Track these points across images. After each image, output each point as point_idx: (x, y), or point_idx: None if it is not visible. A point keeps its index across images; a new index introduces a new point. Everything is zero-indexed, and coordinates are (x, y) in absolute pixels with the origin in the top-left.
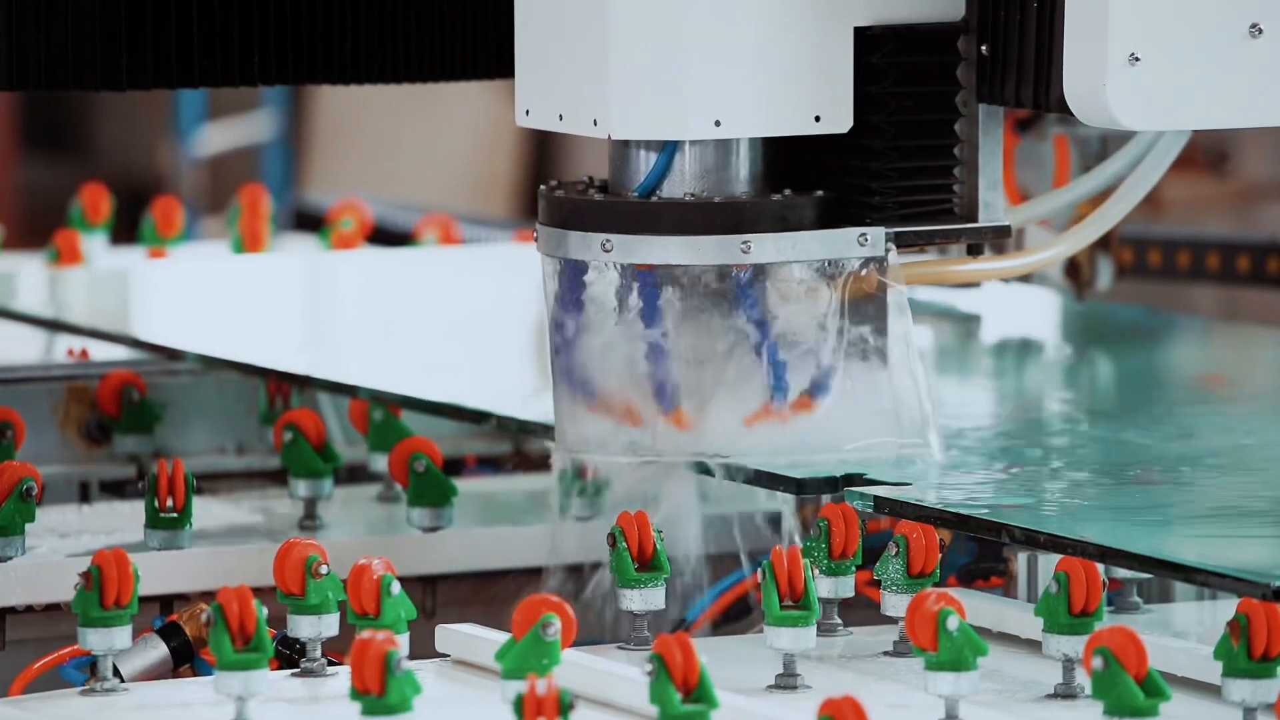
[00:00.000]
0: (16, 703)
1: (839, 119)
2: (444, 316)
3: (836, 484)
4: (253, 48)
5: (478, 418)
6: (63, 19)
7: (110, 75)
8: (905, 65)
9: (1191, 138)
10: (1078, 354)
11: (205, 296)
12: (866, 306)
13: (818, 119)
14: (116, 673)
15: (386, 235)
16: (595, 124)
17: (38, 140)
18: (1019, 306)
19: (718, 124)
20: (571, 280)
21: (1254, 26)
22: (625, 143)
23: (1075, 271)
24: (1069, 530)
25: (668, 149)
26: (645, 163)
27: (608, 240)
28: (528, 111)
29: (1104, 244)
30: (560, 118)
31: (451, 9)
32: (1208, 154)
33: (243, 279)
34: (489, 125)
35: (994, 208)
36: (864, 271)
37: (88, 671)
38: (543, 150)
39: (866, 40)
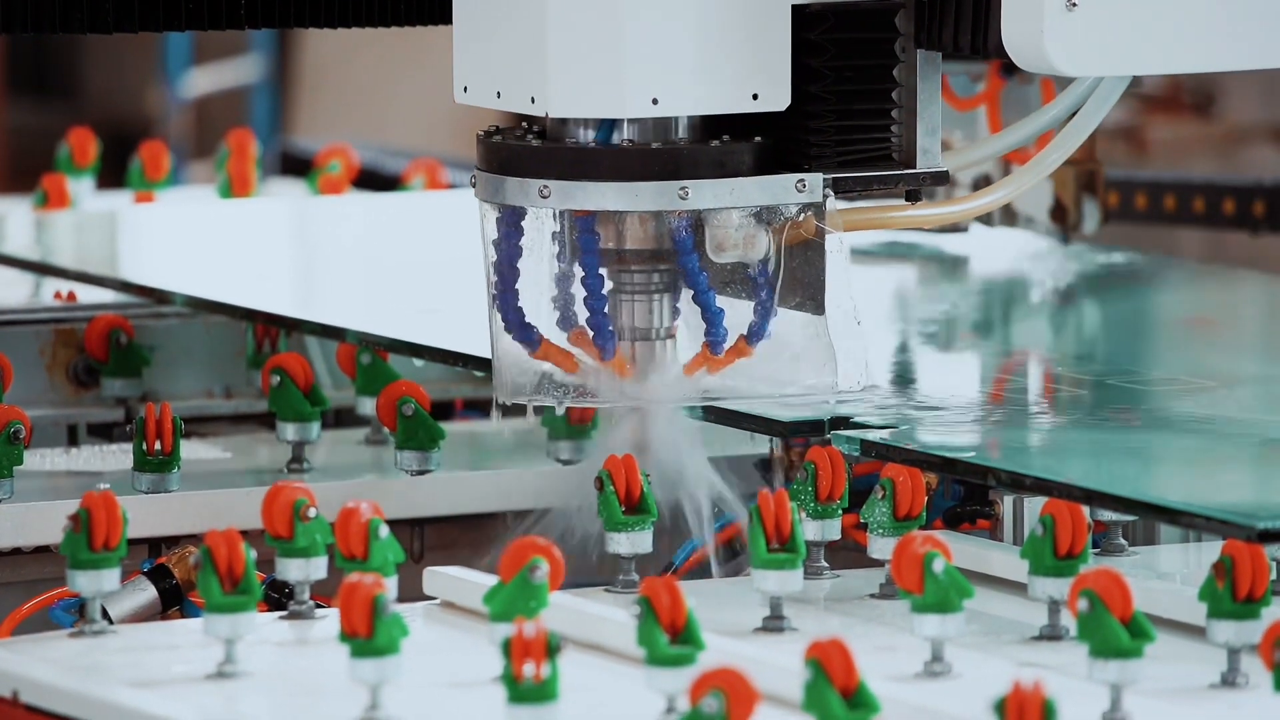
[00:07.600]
0: (5, 644)
1: (777, 97)
2: (431, 260)
3: (823, 427)
4: None
5: (465, 361)
6: None
7: (97, 18)
8: (844, 38)
9: (1174, 80)
10: (1064, 297)
11: (193, 240)
12: (804, 253)
13: (755, 97)
14: (105, 615)
15: (374, 179)
16: (533, 101)
17: (25, 84)
18: (1005, 249)
19: (655, 102)
20: (509, 226)
21: None
22: None
23: (1062, 214)
24: (1055, 473)
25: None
26: None
27: (545, 186)
28: (465, 89)
29: (1090, 187)
30: (498, 95)
31: None
32: (1194, 96)
33: (230, 223)
34: None
35: (932, 153)
36: (802, 218)
37: (76, 613)
38: None
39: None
